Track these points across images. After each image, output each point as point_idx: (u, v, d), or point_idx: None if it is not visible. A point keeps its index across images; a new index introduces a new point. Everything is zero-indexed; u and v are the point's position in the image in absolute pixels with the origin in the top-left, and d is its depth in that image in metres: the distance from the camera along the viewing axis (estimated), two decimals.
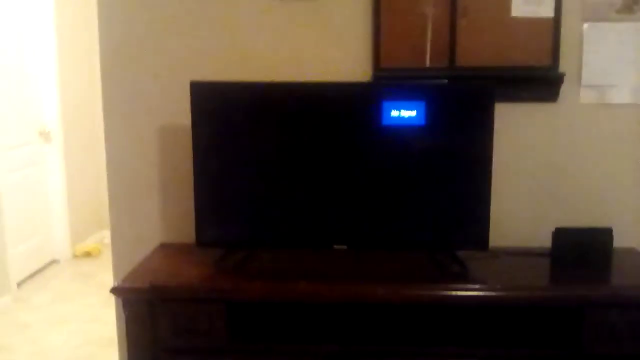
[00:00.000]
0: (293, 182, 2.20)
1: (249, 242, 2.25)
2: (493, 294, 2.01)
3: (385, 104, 2.17)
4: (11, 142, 4.43)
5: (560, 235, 2.22)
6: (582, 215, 2.39)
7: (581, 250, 2.20)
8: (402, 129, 2.16)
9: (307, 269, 2.20)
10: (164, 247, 2.47)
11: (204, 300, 2.04)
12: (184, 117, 2.21)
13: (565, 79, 2.34)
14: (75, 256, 5.24)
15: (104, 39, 2.46)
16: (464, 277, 2.10)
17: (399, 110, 2.15)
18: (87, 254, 5.27)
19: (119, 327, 2.52)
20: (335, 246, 2.19)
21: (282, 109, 2.18)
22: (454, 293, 2.01)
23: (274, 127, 2.18)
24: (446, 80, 2.27)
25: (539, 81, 2.36)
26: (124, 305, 2.07)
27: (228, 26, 2.40)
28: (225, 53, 2.41)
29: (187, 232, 2.34)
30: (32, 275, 4.72)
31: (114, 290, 2.05)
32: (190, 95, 2.14)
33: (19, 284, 4.45)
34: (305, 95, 2.17)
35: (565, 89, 2.35)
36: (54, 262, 5.09)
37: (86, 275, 4.82)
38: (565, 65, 2.34)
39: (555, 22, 2.31)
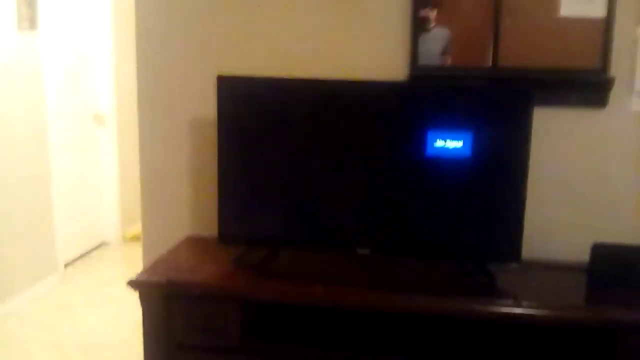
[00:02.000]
0: (319, 182, 2.14)
1: (271, 241, 2.20)
2: (521, 310, 1.89)
3: (420, 106, 2.09)
4: (66, 124, 4.52)
5: (599, 250, 2.07)
6: (624, 231, 2.23)
7: (621, 268, 2.06)
8: (436, 133, 2.07)
9: (328, 272, 2.14)
10: (189, 241, 2.45)
11: (219, 299, 2.01)
12: (213, 110, 2.18)
13: (616, 84, 2.18)
14: (125, 239, 5.33)
15: (141, 28, 2.46)
16: (492, 291, 2.00)
17: (435, 113, 2.06)
18: (137, 238, 5.33)
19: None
20: (358, 249, 2.12)
21: (310, 106, 2.11)
22: (477, 307, 1.91)
23: (302, 125, 2.12)
24: (486, 83, 2.16)
25: (586, 85, 2.21)
26: (141, 299, 2.05)
27: (260, 18, 2.35)
28: (254, 46, 2.37)
29: (215, 226, 2.31)
30: (80, 257, 4.82)
31: (130, 284, 2.04)
32: (217, 89, 2.10)
33: (66, 265, 4.55)
34: (335, 93, 2.10)
35: (615, 95, 2.20)
36: (103, 244, 5.19)
37: (134, 259, 4.87)
38: (616, 69, 2.18)
39: (607, 23, 2.15)
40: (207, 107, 2.36)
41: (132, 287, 2.04)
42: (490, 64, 2.24)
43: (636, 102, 2.21)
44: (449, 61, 2.27)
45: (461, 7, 2.24)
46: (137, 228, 5.40)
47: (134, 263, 4.73)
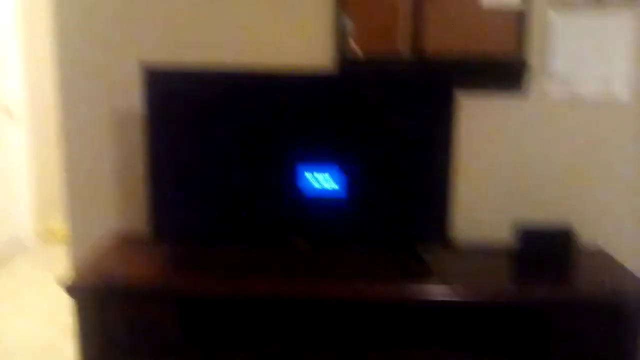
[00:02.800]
0: (253, 174, 2.13)
1: (205, 236, 2.18)
2: (452, 293, 1.95)
3: (347, 94, 2.11)
4: None
5: (522, 232, 2.16)
6: (544, 212, 2.34)
7: (543, 248, 2.16)
8: (360, 115, 2.09)
9: (265, 265, 2.14)
10: (119, 237, 2.38)
11: (155, 296, 1.98)
12: (137, 99, 2.12)
13: (532, 70, 2.27)
14: (40, 238, 5.13)
15: (59, 16, 2.35)
16: (424, 276, 2.04)
17: (360, 99, 2.08)
18: (52, 235, 5.16)
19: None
20: (293, 242, 2.13)
21: (240, 97, 2.09)
22: (413, 292, 1.96)
23: (230, 115, 2.10)
24: (409, 69, 2.21)
25: (503, 69, 2.29)
26: (74, 301, 1.99)
27: (183, 6, 2.31)
28: (180, 34, 2.32)
29: (144, 221, 2.25)
30: None
31: (65, 288, 1.97)
32: (143, 80, 2.05)
33: None
34: (263, 83, 2.09)
35: (532, 82, 2.29)
36: (16, 241, 4.97)
37: (51, 259, 4.72)
38: (532, 56, 2.27)
39: (524, 11, 2.23)
40: (131, 97, 2.29)
41: (65, 290, 1.97)
42: (413, 51, 2.28)
43: (550, 87, 2.31)
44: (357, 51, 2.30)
45: None
46: (51, 224, 5.22)
47: (51, 263, 4.59)
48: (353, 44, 2.28)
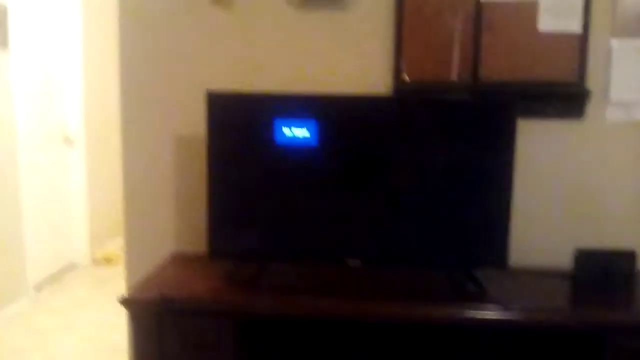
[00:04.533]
0: (308, 195, 2.16)
1: (262, 255, 2.21)
2: (510, 315, 1.94)
3: (405, 119, 2.13)
4: (34, 145, 4.45)
5: (582, 256, 2.15)
6: (605, 237, 2.31)
7: (603, 273, 2.13)
8: (422, 144, 2.12)
9: (320, 284, 2.15)
10: (176, 257, 2.44)
11: (212, 314, 2.01)
12: (200, 126, 2.19)
13: (592, 96, 2.27)
14: (94, 261, 5.24)
15: (124, 46, 2.45)
16: (480, 297, 2.03)
17: (419, 125, 2.10)
18: (107, 260, 5.27)
19: (130, 337, 2.49)
20: (348, 261, 2.14)
21: (299, 119, 2.13)
22: (468, 313, 1.95)
23: (290, 138, 2.14)
24: (468, 96, 2.21)
25: (564, 97, 2.29)
26: (131, 317, 2.04)
27: (246, 35, 2.38)
28: (243, 63, 2.39)
29: (201, 242, 2.30)
30: (50, 279, 4.73)
31: (123, 301, 2.02)
32: (206, 105, 2.11)
33: (36, 287, 4.45)
34: (323, 107, 2.13)
35: (591, 106, 2.28)
36: (72, 266, 5.09)
37: (104, 281, 4.82)
38: (592, 82, 2.26)
39: (583, 38, 2.24)
40: (192, 123, 2.37)
41: (124, 304, 2.02)
42: (471, 78, 2.30)
43: (611, 113, 2.29)
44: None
45: (443, 23, 2.29)
46: (106, 250, 5.34)
47: (104, 285, 4.70)
48: (405, 74, 2.30)
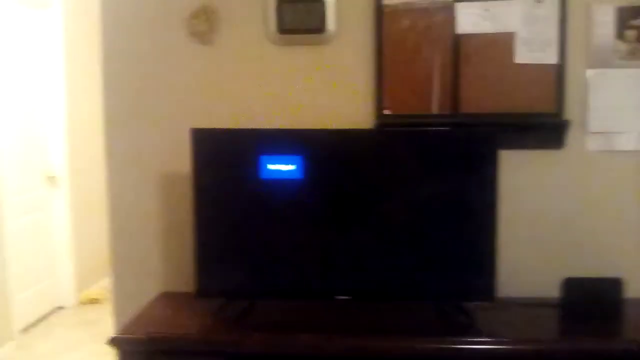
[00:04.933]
0: (295, 231, 2.17)
1: (250, 293, 2.21)
2: (500, 347, 1.94)
3: (387, 152, 2.16)
4: (17, 186, 4.44)
5: (570, 285, 2.16)
6: (590, 264, 2.32)
7: (590, 301, 2.14)
8: (405, 178, 2.14)
9: (309, 321, 2.15)
10: (164, 297, 2.42)
11: (202, 353, 2.00)
12: (185, 165, 2.20)
13: (571, 125, 2.30)
14: (80, 303, 5.19)
15: (108, 85, 2.47)
16: (470, 329, 2.04)
17: (401, 158, 2.13)
18: (93, 301, 5.22)
19: None
20: (337, 297, 2.14)
21: (284, 155, 2.14)
22: (459, 346, 1.95)
23: (276, 174, 2.15)
24: (448, 128, 2.24)
25: (544, 128, 2.33)
26: (120, 357, 2.01)
27: (229, 72, 2.40)
28: (226, 99, 2.41)
29: (188, 281, 2.30)
30: (36, 322, 4.67)
31: (111, 342, 2.00)
32: (191, 142, 2.12)
33: (22, 331, 4.39)
34: (306, 142, 2.15)
35: (570, 135, 2.32)
36: (59, 308, 5.04)
37: (91, 323, 4.76)
38: (570, 111, 2.31)
39: (560, 69, 2.28)
40: (178, 160, 2.38)
41: (113, 345, 2.00)
42: (451, 110, 2.33)
43: (590, 142, 2.33)
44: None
45: (423, 56, 2.33)
46: (92, 291, 5.29)
47: (91, 327, 4.65)
48: (387, 107, 2.34)
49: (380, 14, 2.32)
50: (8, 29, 4.31)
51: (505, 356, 1.97)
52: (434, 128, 2.24)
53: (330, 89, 2.38)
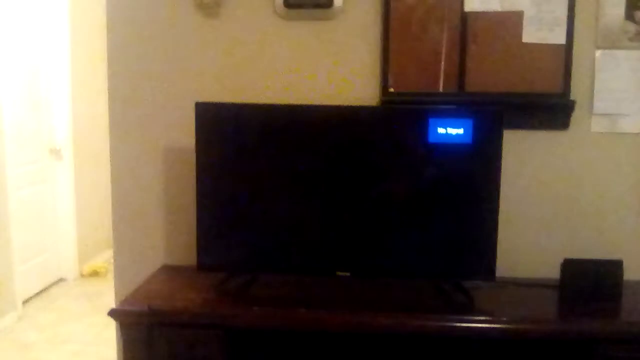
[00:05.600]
0: (297, 207, 2.17)
1: (251, 267, 2.21)
2: (498, 326, 1.95)
3: (391, 129, 2.15)
4: (22, 159, 4.44)
5: (569, 266, 2.16)
6: (591, 246, 2.33)
7: (590, 283, 2.14)
8: (408, 155, 2.14)
9: (309, 296, 2.16)
10: (166, 269, 2.43)
11: (201, 326, 2.00)
12: (188, 138, 2.20)
13: (577, 106, 2.29)
14: (82, 275, 5.22)
15: (112, 59, 2.45)
16: (469, 308, 2.05)
17: (404, 136, 2.12)
18: (95, 273, 5.24)
19: (118, 350, 2.49)
20: (338, 273, 2.14)
21: (287, 132, 2.15)
22: (457, 324, 1.96)
23: (279, 150, 2.15)
24: (453, 106, 2.23)
25: (550, 108, 2.32)
26: (121, 328, 2.03)
27: (234, 46, 2.39)
28: (231, 73, 2.40)
29: (190, 255, 2.31)
30: (38, 294, 4.70)
31: (112, 313, 2.02)
32: (195, 116, 2.12)
33: (24, 302, 4.42)
34: (311, 118, 2.15)
35: (576, 116, 2.31)
36: (61, 280, 5.07)
37: (92, 295, 4.79)
38: (576, 92, 2.29)
39: (567, 49, 2.27)
40: (181, 134, 2.38)
41: (113, 317, 2.01)
42: (457, 88, 2.32)
43: (596, 123, 2.32)
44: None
45: (429, 34, 2.31)
46: (94, 263, 5.31)
47: (92, 299, 4.67)
48: (391, 85, 2.32)
49: None
50: None
51: (503, 335, 1.98)
52: (437, 106, 2.23)
53: (336, 64, 2.36)
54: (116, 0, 2.42)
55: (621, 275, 2.15)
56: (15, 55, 4.35)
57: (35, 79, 4.66)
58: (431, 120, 2.11)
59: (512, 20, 2.27)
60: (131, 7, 2.41)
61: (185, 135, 2.32)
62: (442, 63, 2.32)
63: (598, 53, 2.28)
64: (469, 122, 2.10)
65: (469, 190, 2.11)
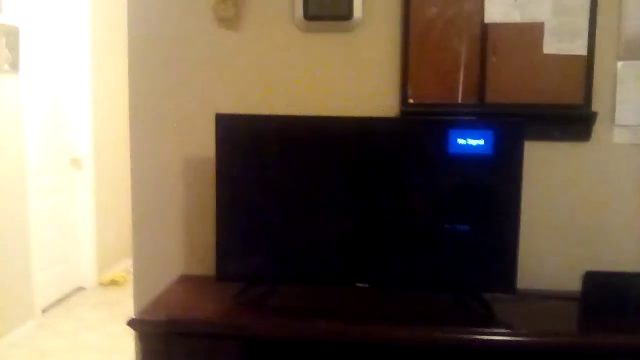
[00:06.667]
0: (316, 218, 2.17)
1: (269, 277, 2.21)
2: (518, 339, 1.93)
3: (410, 140, 2.14)
4: (43, 168, 4.49)
5: (591, 279, 2.13)
6: (614, 258, 2.30)
7: (613, 295, 2.11)
8: (427, 166, 2.13)
9: (328, 307, 2.15)
10: (184, 279, 2.44)
11: (220, 336, 2.00)
12: (208, 149, 2.21)
13: (598, 118, 2.27)
14: (101, 284, 5.25)
15: (133, 69, 2.48)
16: (488, 321, 2.03)
17: (424, 147, 2.11)
18: (114, 282, 5.28)
19: (137, 359, 2.49)
20: (357, 284, 2.14)
21: (307, 143, 2.15)
22: (477, 337, 1.94)
23: (298, 161, 2.16)
24: (473, 118, 2.22)
25: (571, 120, 2.30)
26: (140, 338, 2.04)
27: (254, 58, 2.40)
28: (251, 85, 2.41)
29: (209, 265, 2.31)
30: (57, 302, 4.74)
31: (131, 323, 2.02)
32: (215, 127, 2.13)
33: (44, 310, 4.46)
34: (330, 129, 2.15)
35: (598, 128, 2.29)
36: (80, 289, 5.11)
37: (111, 304, 4.82)
38: (598, 104, 2.27)
39: (589, 60, 2.25)
40: (202, 145, 2.39)
41: (132, 326, 2.02)
42: (477, 100, 2.31)
43: (618, 135, 2.30)
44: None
45: (449, 45, 2.31)
46: (113, 272, 5.35)
47: (111, 307, 4.70)
48: (411, 96, 2.32)
49: (407, 1, 2.30)
50: (35, 11, 4.35)
51: (523, 348, 1.95)
52: (457, 118, 2.22)
53: (355, 76, 2.36)
54: (138, 13, 2.45)
55: None
56: (39, 67, 4.41)
57: (57, 89, 4.72)
58: (451, 131, 2.11)
59: (532, 32, 2.26)
60: (152, 20, 2.44)
61: (205, 147, 2.33)
62: (462, 74, 2.31)
63: (620, 64, 2.26)
64: (490, 133, 2.09)
65: (489, 202, 2.10)
